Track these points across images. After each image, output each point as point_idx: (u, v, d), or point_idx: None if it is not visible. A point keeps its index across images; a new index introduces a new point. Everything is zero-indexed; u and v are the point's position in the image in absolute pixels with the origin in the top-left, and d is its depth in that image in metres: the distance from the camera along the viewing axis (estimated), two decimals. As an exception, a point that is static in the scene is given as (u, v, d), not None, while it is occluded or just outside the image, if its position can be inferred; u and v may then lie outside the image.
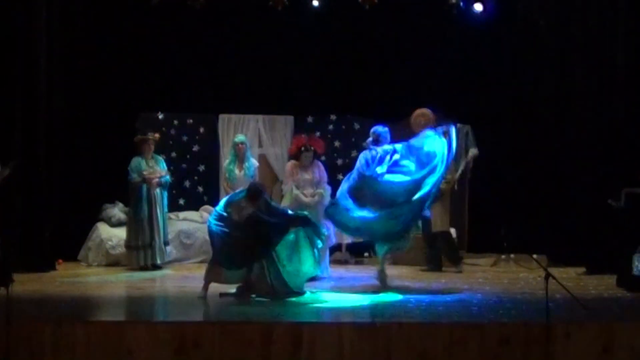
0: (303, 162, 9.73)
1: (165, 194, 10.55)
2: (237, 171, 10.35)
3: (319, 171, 9.80)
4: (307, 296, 8.45)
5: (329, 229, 9.86)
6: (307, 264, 8.44)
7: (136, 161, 10.41)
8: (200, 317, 7.69)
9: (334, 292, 8.83)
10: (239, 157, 10.35)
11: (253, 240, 8.16)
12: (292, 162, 9.88)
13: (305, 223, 8.46)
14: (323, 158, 10.25)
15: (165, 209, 10.55)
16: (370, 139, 9.13)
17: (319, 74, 12.00)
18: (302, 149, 9.72)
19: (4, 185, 9.01)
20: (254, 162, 10.58)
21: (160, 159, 10.65)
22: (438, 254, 10.47)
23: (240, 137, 10.57)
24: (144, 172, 10.31)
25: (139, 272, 10.10)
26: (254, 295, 8.27)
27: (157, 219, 10.34)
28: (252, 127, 11.98)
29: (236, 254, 8.15)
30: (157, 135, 10.75)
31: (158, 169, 10.48)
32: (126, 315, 7.88)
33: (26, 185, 9.91)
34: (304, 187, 9.71)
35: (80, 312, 7.53)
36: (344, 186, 8.86)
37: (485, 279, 9.73)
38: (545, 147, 11.10)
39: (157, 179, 10.37)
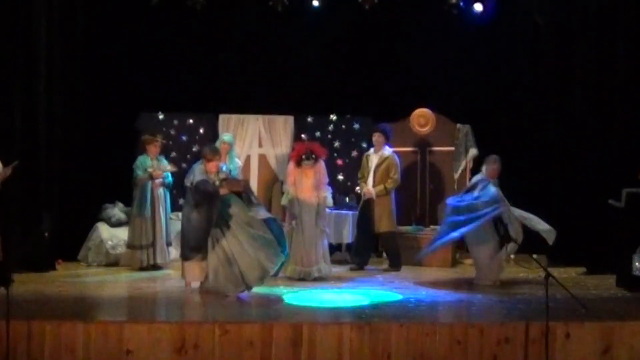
0: (303, 168, 9.74)
1: (169, 194, 10.55)
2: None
3: (320, 174, 9.77)
4: (307, 296, 8.47)
5: (327, 229, 9.88)
6: None
7: (142, 159, 10.40)
8: (200, 317, 7.69)
9: (334, 292, 8.84)
10: (222, 156, 10.06)
11: None
12: (293, 164, 9.87)
13: None
14: (323, 157, 10.24)
15: (169, 210, 10.55)
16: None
17: (319, 74, 12.00)
18: (303, 157, 9.72)
19: (4, 185, 9.00)
20: (238, 162, 10.50)
21: (164, 160, 10.65)
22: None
23: (226, 137, 10.49)
24: (150, 169, 10.30)
25: (139, 272, 10.09)
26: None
27: (159, 219, 10.34)
28: (252, 127, 11.98)
29: None
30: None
31: (162, 168, 10.47)
32: (126, 315, 7.88)
33: (26, 185, 9.90)
34: (303, 190, 9.70)
35: (80, 312, 7.52)
36: None
37: (485, 279, 9.72)
38: (545, 146, 11.10)
39: (160, 179, 10.36)
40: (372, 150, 10.66)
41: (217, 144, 10.20)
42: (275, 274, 8.83)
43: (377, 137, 10.55)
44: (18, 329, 6.65)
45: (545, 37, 11.16)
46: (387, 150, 10.57)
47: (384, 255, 10.93)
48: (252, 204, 8.63)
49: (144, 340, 6.78)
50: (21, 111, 9.97)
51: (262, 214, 8.60)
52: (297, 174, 9.76)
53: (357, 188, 10.98)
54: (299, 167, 9.75)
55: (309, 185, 9.70)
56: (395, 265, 10.50)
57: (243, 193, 8.67)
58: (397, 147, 11.49)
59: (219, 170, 8.83)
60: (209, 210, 8.51)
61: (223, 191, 8.55)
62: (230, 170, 9.53)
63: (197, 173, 8.66)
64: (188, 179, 8.76)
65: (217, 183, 8.63)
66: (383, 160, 10.49)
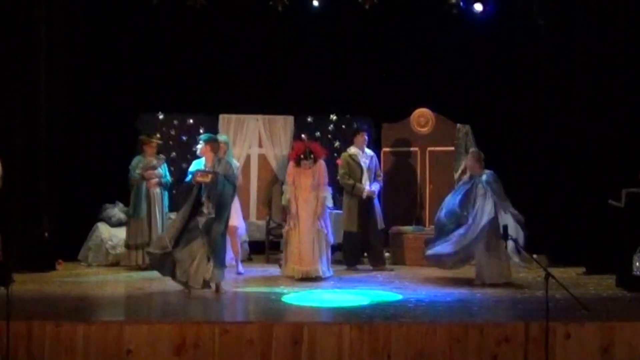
0: (302, 167, 9.73)
1: (166, 194, 10.56)
2: None
3: (320, 174, 9.77)
4: (307, 296, 8.48)
5: (328, 229, 9.87)
6: None
7: (137, 160, 10.41)
8: (200, 317, 7.68)
9: (334, 292, 8.84)
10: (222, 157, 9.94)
11: None
12: (293, 163, 9.86)
13: None
14: (322, 157, 10.24)
15: (166, 209, 10.56)
16: None
17: (319, 74, 12.00)
18: (302, 156, 9.72)
19: (4, 185, 9.01)
20: (236, 163, 10.40)
21: (162, 160, 10.64)
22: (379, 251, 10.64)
23: (222, 137, 10.20)
24: (143, 170, 10.31)
25: (139, 272, 10.10)
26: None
27: (155, 219, 10.34)
28: (252, 127, 11.98)
29: None
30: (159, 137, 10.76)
31: (158, 170, 10.47)
32: (126, 315, 7.88)
33: (26, 185, 9.90)
34: (302, 190, 9.69)
35: (80, 312, 7.52)
36: None
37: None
38: (545, 147, 11.10)
39: (156, 179, 10.37)
40: (353, 149, 10.62)
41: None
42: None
43: (364, 137, 10.60)
44: (18, 329, 6.65)
45: (545, 37, 11.15)
46: (369, 150, 10.65)
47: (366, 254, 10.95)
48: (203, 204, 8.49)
49: (144, 340, 6.78)
50: (21, 111, 9.98)
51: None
52: (296, 173, 9.76)
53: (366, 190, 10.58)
54: (298, 167, 9.75)
55: (308, 184, 9.70)
56: (383, 262, 10.58)
57: (207, 185, 8.49)
58: (397, 147, 11.51)
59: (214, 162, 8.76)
60: (185, 203, 8.52)
61: (194, 180, 8.50)
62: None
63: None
64: None
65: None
66: (371, 160, 10.57)
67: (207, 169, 8.57)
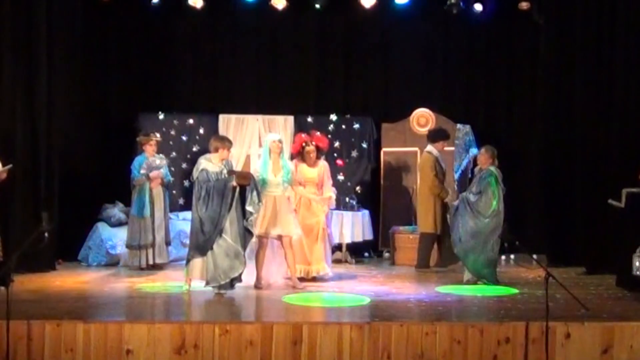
0: (306, 158, 9.68)
1: (168, 193, 10.55)
2: (272, 176, 9.10)
3: (324, 172, 9.73)
4: (307, 296, 8.48)
5: (331, 229, 9.87)
6: None
7: (139, 160, 10.40)
8: (200, 317, 7.69)
9: (334, 292, 8.84)
10: (275, 158, 9.15)
11: None
12: (296, 160, 9.82)
13: None
14: (323, 157, 10.23)
15: (168, 209, 10.55)
16: None
17: (319, 74, 12.00)
18: (304, 144, 9.68)
19: (3, 186, 9.00)
20: (290, 164, 9.47)
21: (163, 159, 10.65)
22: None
23: (276, 136, 9.54)
24: (146, 170, 10.30)
25: (139, 272, 10.09)
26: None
27: (158, 219, 10.34)
28: (252, 127, 11.97)
29: None
30: (159, 136, 10.75)
31: (160, 169, 10.47)
32: (126, 315, 7.88)
33: (26, 185, 9.90)
34: (305, 188, 9.67)
35: (80, 312, 7.52)
36: None
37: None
38: (545, 146, 11.10)
39: (159, 179, 10.37)
40: (436, 152, 10.47)
41: (267, 144, 9.31)
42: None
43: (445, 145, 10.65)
44: (18, 329, 6.65)
45: (545, 37, 11.15)
46: None
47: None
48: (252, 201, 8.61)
49: (144, 340, 6.78)
50: (21, 111, 9.97)
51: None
52: (300, 172, 9.67)
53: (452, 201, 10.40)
54: (302, 162, 9.67)
55: (312, 184, 9.66)
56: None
57: (248, 186, 8.61)
58: (397, 147, 11.51)
59: (225, 162, 8.77)
60: (220, 202, 8.46)
61: (232, 183, 8.50)
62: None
63: (202, 164, 8.63)
64: (194, 173, 8.73)
65: (225, 175, 8.57)
66: None
67: (237, 170, 8.67)
